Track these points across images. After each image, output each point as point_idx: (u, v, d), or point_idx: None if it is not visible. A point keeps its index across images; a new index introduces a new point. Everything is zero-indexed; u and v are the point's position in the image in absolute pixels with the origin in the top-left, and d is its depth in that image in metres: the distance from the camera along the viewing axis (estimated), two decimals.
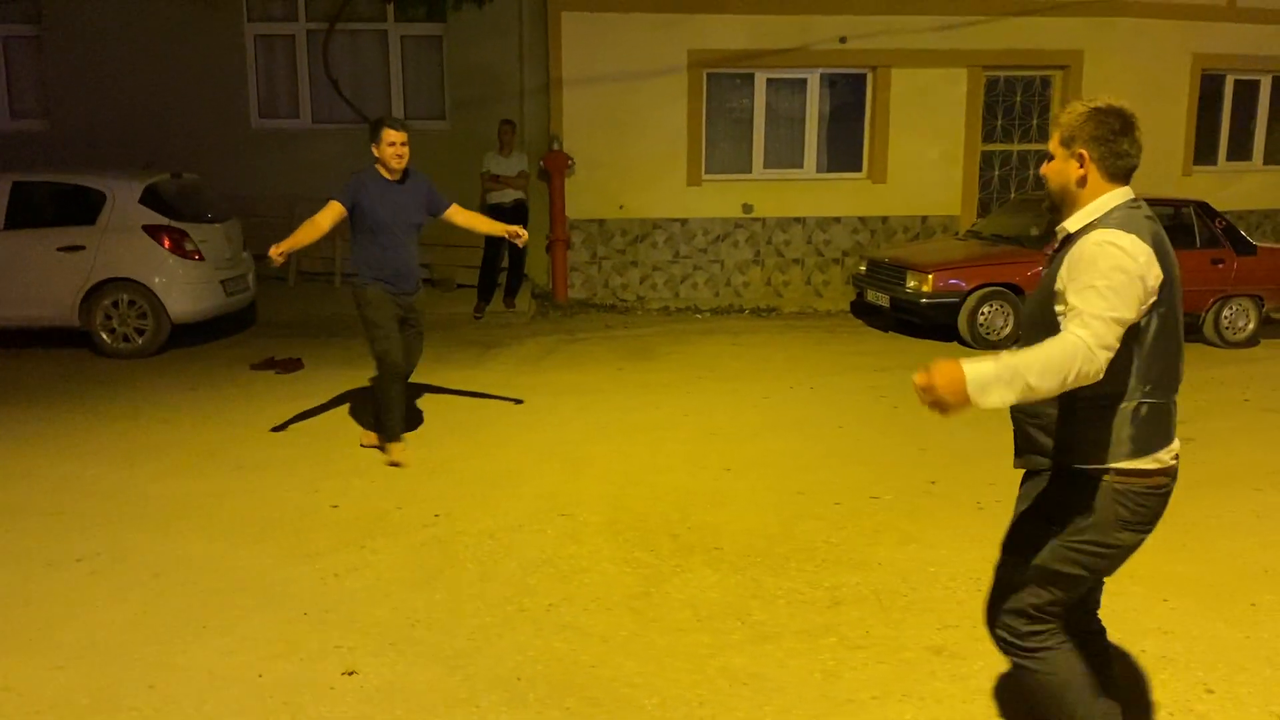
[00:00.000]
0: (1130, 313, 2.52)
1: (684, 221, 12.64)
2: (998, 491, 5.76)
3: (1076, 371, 2.44)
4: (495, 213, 11.17)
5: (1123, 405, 2.67)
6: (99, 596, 4.33)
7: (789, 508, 5.52)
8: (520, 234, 6.33)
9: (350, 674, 3.69)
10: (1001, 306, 10.10)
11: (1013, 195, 12.94)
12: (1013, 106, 13.07)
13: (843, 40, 12.37)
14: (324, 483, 5.80)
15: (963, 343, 10.10)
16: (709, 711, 3.48)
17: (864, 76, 12.77)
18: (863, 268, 11.57)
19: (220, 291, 9.66)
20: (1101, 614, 4.26)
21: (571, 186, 12.28)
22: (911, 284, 10.31)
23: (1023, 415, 2.82)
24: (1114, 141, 2.71)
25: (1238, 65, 13.60)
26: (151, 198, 9.29)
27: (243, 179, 11.75)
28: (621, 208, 12.50)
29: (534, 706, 3.50)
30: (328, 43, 12.19)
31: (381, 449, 6.26)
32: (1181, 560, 4.77)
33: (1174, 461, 2.79)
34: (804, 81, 12.71)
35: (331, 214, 5.86)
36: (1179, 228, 10.70)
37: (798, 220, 12.78)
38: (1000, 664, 3.76)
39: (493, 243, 11.23)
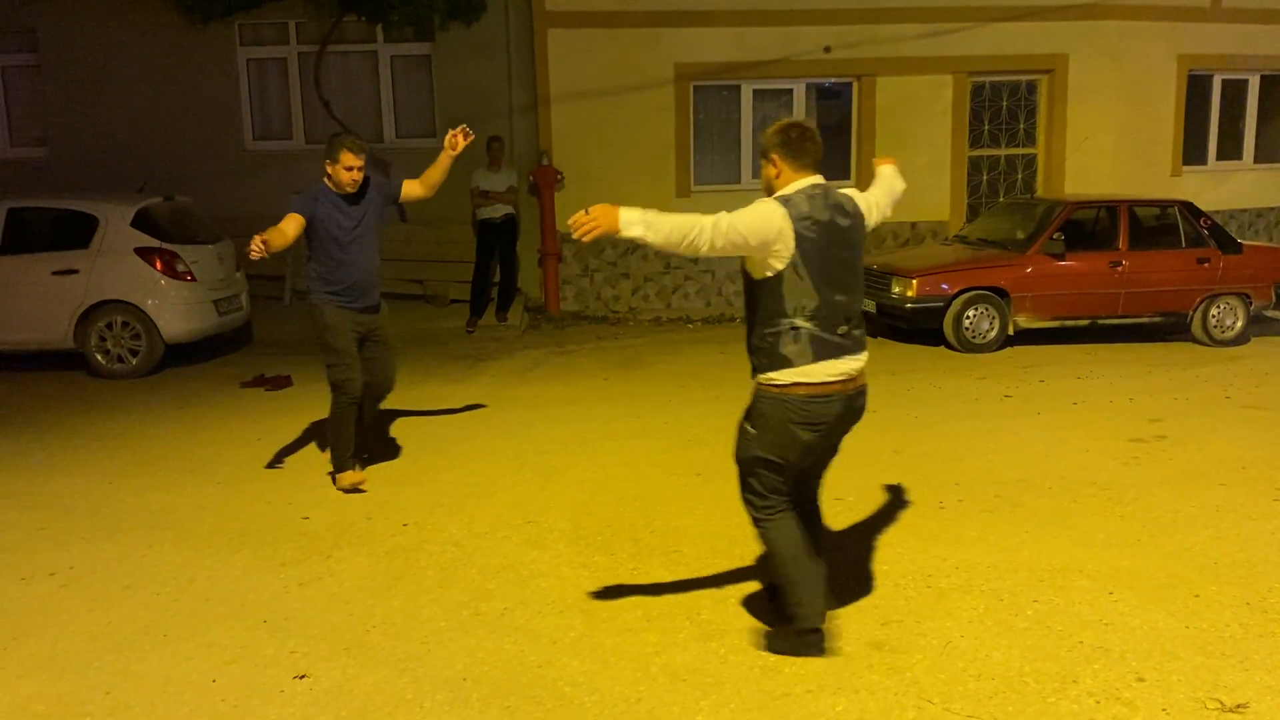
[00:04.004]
0: (750, 239, 3.47)
1: None
2: (961, 492, 5.84)
3: (693, 238, 3.40)
4: (486, 228, 11.36)
5: (782, 334, 3.59)
6: (69, 608, 4.46)
7: None
8: (464, 132, 5.76)
9: (301, 678, 3.79)
10: (987, 310, 10.15)
11: (1000, 199, 13.01)
12: (999, 111, 13.15)
13: (827, 50, 12.49)
14: (299, 495, 5.92)
15: (949, 346, 10.15)
16: (646, 707, 3.57)
17: (849, 85, 12.88)
18: None
19: (213, 311, 9.82)
20: (1040, 606, 4.36)
21: (562, 200, 12.42)
22: (897, 289, 10.37)
23: (748, 344, 3.77)
24: (794, 145, 3.66)
25: (1224, 65, 13.62)
26: (143, 221, 9.46)
27: (238, 200, 11.94)
28: None
29: (476, 706, 3.59)
30: (319, 65, 12.41)
31: (354, 484, 5.95)
32: (1132, 555, 4.83)
33: (837, 378, 3.63)
34: (790, 92, 12.83)
35: (295, 224, 5.67)
36: (1164, 228, 10.73)
37: None
38: (937, 657, 3.86)
39: (484, 257, 11.39)
